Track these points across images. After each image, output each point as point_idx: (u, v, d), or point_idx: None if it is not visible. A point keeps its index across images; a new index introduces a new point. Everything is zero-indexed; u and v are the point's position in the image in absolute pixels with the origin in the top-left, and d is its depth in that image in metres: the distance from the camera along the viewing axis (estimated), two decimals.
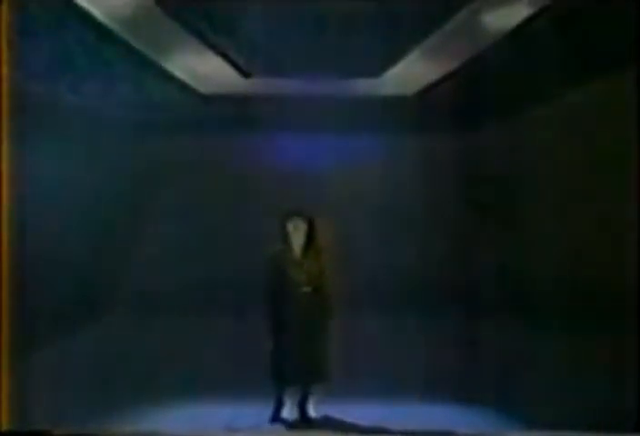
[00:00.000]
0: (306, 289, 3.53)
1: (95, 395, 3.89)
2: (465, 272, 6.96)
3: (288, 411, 3.70)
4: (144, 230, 6.98)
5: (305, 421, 3.61)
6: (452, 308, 6.37)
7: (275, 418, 3.64)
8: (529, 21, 4.23)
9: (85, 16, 3.96)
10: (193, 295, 6.40)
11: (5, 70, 3.13)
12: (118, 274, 6.47)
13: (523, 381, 4.24)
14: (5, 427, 2.87)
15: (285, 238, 3.57)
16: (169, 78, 5.44)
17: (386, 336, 5.38)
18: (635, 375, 3.42)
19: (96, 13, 4.01)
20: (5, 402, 2.92)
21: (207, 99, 6.01)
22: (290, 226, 3.56)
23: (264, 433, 3.45)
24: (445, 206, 7.17)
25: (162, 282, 6.60)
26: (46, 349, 4.57)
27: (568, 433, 3.07)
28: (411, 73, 5.72)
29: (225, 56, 5.14)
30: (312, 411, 3.68)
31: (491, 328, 5.82)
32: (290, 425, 3.61)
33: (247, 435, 3.38)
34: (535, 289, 5.76)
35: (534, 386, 4.10)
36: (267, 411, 3.67)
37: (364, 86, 6.15)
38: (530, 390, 4.03)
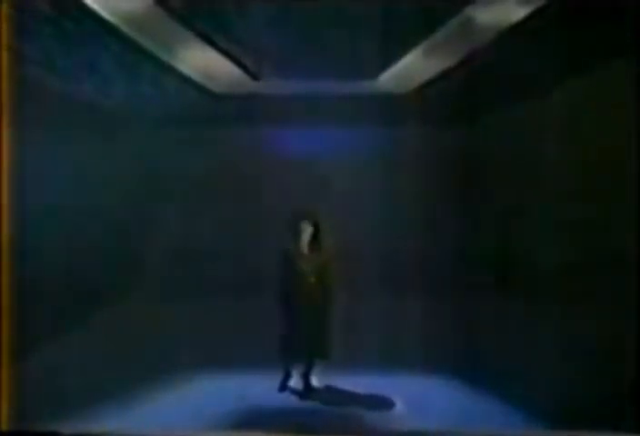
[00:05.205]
0: (312, 279, 4.11)
1: (96, 387, 4.08)
2: (465, 257, 7.27)
3: (294, 382, 4.31)
4: (152, 226, 7.24)
5: (308, 390, 4.23)
6: (451, 291, 6.68)
7: (283, 387, 4.26)
8: (527, 19, 4.13)
9: (98, 20, 4.01)
10: (204, 284, 6.86)
11: (5, 66, 3.21)
12: (120, 272, 6.66)
13: (521, 381, 4.25)
14: (5, 427, 2.92)
15: (295, 236, 4.14)
16: (184, 79, 5.74)
17: (387, 317, 5.78)
18: (635, 374, 3.48)
19: (112, 18, 4.24)
20: (6, 402, 3.00)
21: (219, 98, 6.28)
22: (299, 227, 4.11)
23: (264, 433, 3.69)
24: (444, 200, 7.40)
25: (173, 273, 7.02)
26: (46, 348, 4.67)
27: (568, 433, 3.12)
28: (409, 71, 5.84)
29: (235, 60, 5.49)
30: (315, 382, 4.31)
31: (489, 312, 6.09)
32: (295, 393, 4.20)
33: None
34: (536, 274, 5.88)
35: (532, 384, 4.14)
36: (276, 382, 4.27)
37: (363, 86, 6.37)
38: (529, 388, 4.08)
